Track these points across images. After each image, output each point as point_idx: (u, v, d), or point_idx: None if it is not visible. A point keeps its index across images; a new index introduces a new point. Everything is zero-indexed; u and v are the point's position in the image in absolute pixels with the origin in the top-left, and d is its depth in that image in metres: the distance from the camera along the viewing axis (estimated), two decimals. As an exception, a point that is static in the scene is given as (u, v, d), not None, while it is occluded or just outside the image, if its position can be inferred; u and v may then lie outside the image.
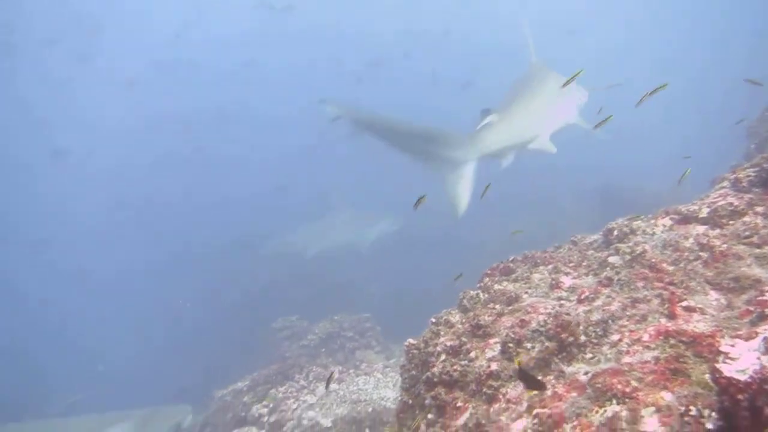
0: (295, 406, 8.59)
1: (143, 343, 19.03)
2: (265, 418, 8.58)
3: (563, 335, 3.32)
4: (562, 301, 3.89)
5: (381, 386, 8.54)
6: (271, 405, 8.59)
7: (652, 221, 4.36)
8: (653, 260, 3.64)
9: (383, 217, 17.82)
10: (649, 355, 2.90)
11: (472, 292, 4.65)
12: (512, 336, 3.51)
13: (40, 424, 11.73)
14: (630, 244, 3.96)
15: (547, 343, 3.35)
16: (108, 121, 36.32)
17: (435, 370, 3.76)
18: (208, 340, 15.83)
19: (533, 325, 3.52)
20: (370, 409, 7.36)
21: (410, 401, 4.25)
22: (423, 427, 4.10)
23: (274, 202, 26.53)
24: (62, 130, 34.03)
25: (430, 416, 3.67)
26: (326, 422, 7.40)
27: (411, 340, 4.45)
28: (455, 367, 3.66)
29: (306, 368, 9.36)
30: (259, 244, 19.45)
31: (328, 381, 8.62)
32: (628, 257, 3.82)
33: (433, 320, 4.44)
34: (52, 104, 34.95)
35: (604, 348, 3.22)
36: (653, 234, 4.08)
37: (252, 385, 9.34)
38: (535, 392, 2.96)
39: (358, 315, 12.54)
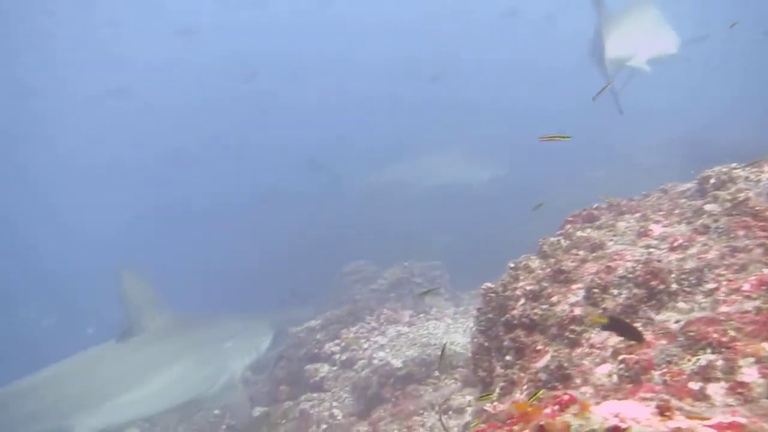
0: (366, 346, 8.84)
1: (218, 280, 19.96)
2: (337, 356, 8.89)
3: (653, 282, 3.20)
4: (652, 249, 3.73)
5: (451, 331, 8.63)
6: (343, 344, 8.88)
7: (755, 169, 4.06)
8: (757, 208, 3.41)
9: (493, 161, 17.71)
10: (749, 305, 2.75)
11: (552, 238, 4.54)
12: (597, 282, 3.41)
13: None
14: (731, 190, 3.71)
15: (635, 290, 3.24)
16: (169, 63, 36.58)
17: (515, 312, 3.73)
18: (281, 280, 16.37)
19: (620, 271, 3.41)
20: (440, 353, 7.46)
21: (486, 343, 4.26)
22: (499, 368, 4.12)
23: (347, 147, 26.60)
24: (123, 71, 34.11)
25: (508, 358, 3.66)
26: (397, 363, 7.58)
27: (488, 284, 4.42)
28: (536, 310, 3.62)
29: (376, 311, 9.57)
30: (355, 179, 19.55)
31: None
32: (728, 204, 3.60)
33: (512, 265, 4.38)
34: (116, 41, 34.80)
35: (698, 297, 3.08)
36: (758, 181, 3.80)
37: (324, 323, 9.65)
38: (632, 343, 2.84)
39: (429, 262, 12.62)
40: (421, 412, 6.57)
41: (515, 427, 1.51)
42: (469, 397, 6.62)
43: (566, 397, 1.75)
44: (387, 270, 12.69)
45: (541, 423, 1.42)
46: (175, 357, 7.92)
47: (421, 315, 9.77)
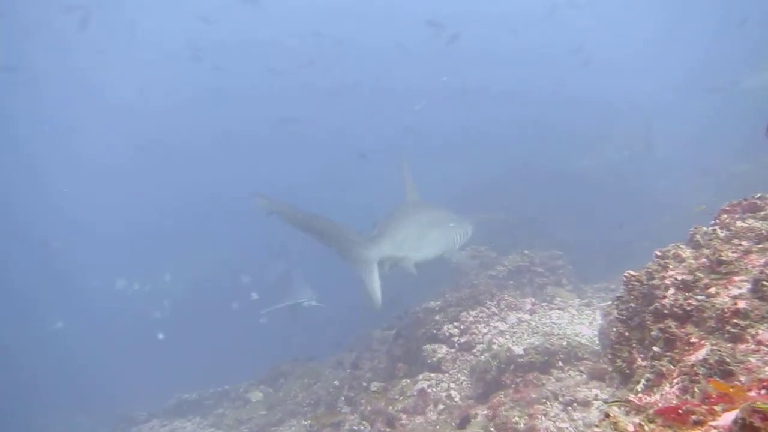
0: (485, 330, 8.76)
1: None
2: (456, 339, 8.89)
3: (837, 278, 2.87)
4: (831, 243, 3.35)
5: (576, 322, 8.31)
6: (462, 327, 8.86)
7: None
8: None
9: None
10: None
11: (705, 228, 4.22)
12: None
13: None
14: None
15: (813, 285, 2.93)
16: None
17: (665, 302, 3.52)
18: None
19: (794, 264, 3.10)
20: (564, 343, 7.22)
21: (627, 333, 4.07)
22: (640, 360, 3.92)
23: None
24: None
25: (655, 349, 3.47)
26: (518, 349, 7.43)
27: (631, 272, 4.22)
28: (690, 301, 3.39)
29: (497, 296, 9.43)
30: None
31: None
32: None
33: (659, 254, 4.13)
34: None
35: None
36: None
37: (444, 305, 9.68)
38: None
39: (550, 251, 12.24)
40: (543, 401, 6.40)
41: (716, 407, 1.41)
42: (595, 391, 6.37)
43: None
44: (507, 257, 12.48)
45: (756, 404, 1.31)
46: (438, 221, 10.18)
47: (544, 304, 9.50)
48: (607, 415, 2.11)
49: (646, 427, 1.67)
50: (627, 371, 3.98)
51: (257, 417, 11.89)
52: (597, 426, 2.21)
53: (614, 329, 4.19)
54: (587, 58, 26.40)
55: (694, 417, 1.47)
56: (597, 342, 7.30)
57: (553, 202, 16.65)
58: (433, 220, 10.02)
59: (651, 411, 1.85)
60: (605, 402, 5.91)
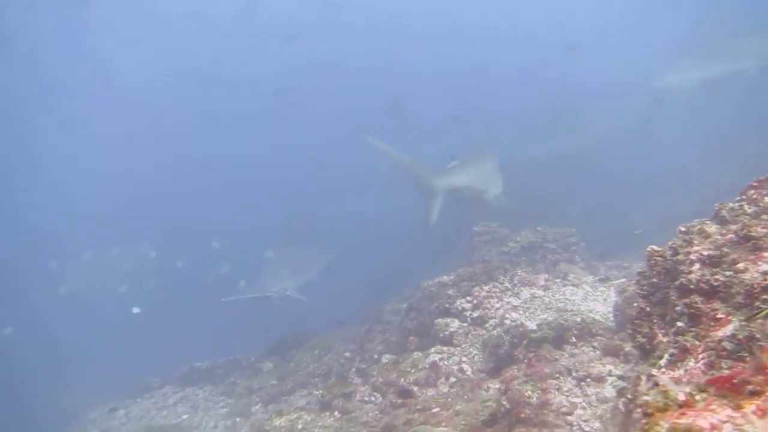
0: (498, 305, 8.76)
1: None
2: (468, 313, 8.91)
3: None
4: None
5: (590, 299, 8.29)
6: (474, 302, 8.87)
7: None
8: None
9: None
10: None
11: (731, 204, 4.15)
12: (798, 250, 3.06)
13: None
14: None
15: None
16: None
17: (691, 277, 3.47)
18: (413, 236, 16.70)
19: (827, 241, 3.04)
20: (578, 319, 7.20)
21: (648, 308, 4.05)
22: (661, 335, 3.90)
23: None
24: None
25: (680, 324, 3.43)
26: (531, 325, 7.43)
27: (654, 247, 4.17)
28: (717, 276, 3.34)
29: (510, 272, 9.40)
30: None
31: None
32: None
33: (683, 229, 4.07)
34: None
35: None
36: None
37: (456, 280, 9.67)
38: None
39: (563, 228, 12.17)
40: (557, 376, 6.41)
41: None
42: (609, 367, 6.38)
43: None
44: (519, 233, 12.43)
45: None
46: (496, 166, 11.61)
47: (558, 280, 9.48)
48: (656, 384, 2.09)
49: (697, 396, 1.65)
50: (648, 347, 3.95)
51: (268, 386, 12.04)
52: (646, 394, 2.18)
53: (635, 304, 4.17)
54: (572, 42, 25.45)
55: (750, 387, 1.44)
56: (611, 319, 7.28)
57: (559, 183, 16.56)
58: (494, 165, 11.61)
59: (702, 380, 1.82)
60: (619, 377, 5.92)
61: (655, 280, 4.07)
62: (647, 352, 3.94)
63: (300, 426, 7.78)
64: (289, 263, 14.54)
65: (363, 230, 22.15)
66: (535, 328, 7.42)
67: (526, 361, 7.11)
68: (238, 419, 10.89)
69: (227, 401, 12.51)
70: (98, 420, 13.34)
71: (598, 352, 6.81)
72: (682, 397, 1.82)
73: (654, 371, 3.30)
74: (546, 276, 9.56)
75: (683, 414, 1.88)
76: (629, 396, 3.40)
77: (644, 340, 4.01)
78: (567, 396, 6.04)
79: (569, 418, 5.75)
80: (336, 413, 8.28)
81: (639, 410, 2.30)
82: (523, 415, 5.98)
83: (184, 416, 12.36)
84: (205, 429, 11.53)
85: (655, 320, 4.00)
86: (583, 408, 5.85)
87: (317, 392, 9.38)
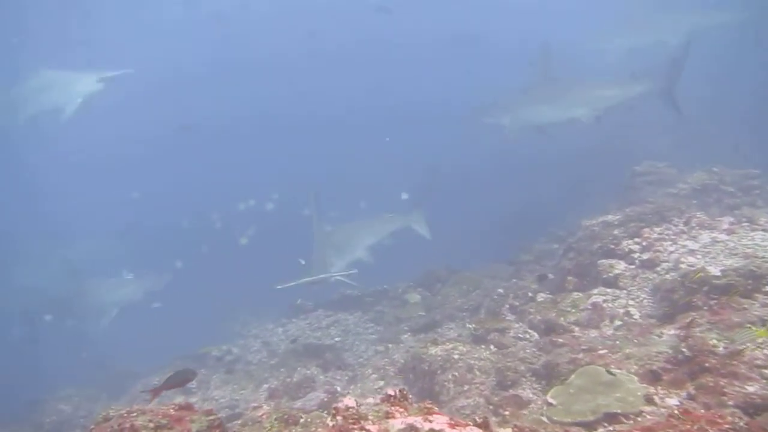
0: (672, 248, 8.14)
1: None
2: (636, 255, 8.39)
3: None
4: None
5: (786, 246, 7.43)
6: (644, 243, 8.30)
7: None
8: None
9: None
10: None
11: None
12: None
13: None
14: None
15: None
16: None
17: None
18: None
19: None
20: (774, 265, 6.49)
21: None
22: None
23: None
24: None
25: None
26: (714, 270, 6.81)
27: None
28: None
29: (686, 213, 8.65)
30: None
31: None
32: None
33: None
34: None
35: None
36: None
37: (624, 220, 9.09)
38: None
39: (745, 170, 10.94)
40: (749, 326, 5.86)
41: None
42: (813, 320, 5.71)
43: None
44: (690, 174, 11.39)
45: None
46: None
47: (745, 224, 8.57)
48: None
49: None
50: None
51: (416, 317, 12.35)
52: None
53: None
54: None
55: None
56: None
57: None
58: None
59: None
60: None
61: None
62: None
63: (456, 356, 7.87)
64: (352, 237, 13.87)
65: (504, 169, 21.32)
66: (718, 273, 6.82)
67: (707, 308, 6.59)
68: (390, 345, 11.33)
69: (376, 328, 13.05)
70: (260, 334, 14.60)
71: (798, 303, 6.12)
72: None
73: None
74: (731, 219, 8.68)
75: None
76: None
77: None
78: (763, 349, 5.50)
79: (766, 371, 5.26)
80: (492, 347, 8.29)
81: None
82: (707, 364, 5.57)
83: (337, 338, 13.13)
84: (357, 351, 12.17)
85: None
86: (783, 363, 5.31)
87: (470, 326, 9.43)
